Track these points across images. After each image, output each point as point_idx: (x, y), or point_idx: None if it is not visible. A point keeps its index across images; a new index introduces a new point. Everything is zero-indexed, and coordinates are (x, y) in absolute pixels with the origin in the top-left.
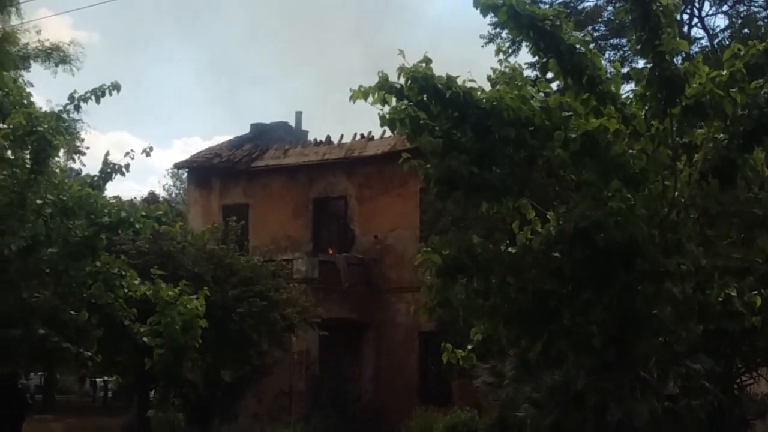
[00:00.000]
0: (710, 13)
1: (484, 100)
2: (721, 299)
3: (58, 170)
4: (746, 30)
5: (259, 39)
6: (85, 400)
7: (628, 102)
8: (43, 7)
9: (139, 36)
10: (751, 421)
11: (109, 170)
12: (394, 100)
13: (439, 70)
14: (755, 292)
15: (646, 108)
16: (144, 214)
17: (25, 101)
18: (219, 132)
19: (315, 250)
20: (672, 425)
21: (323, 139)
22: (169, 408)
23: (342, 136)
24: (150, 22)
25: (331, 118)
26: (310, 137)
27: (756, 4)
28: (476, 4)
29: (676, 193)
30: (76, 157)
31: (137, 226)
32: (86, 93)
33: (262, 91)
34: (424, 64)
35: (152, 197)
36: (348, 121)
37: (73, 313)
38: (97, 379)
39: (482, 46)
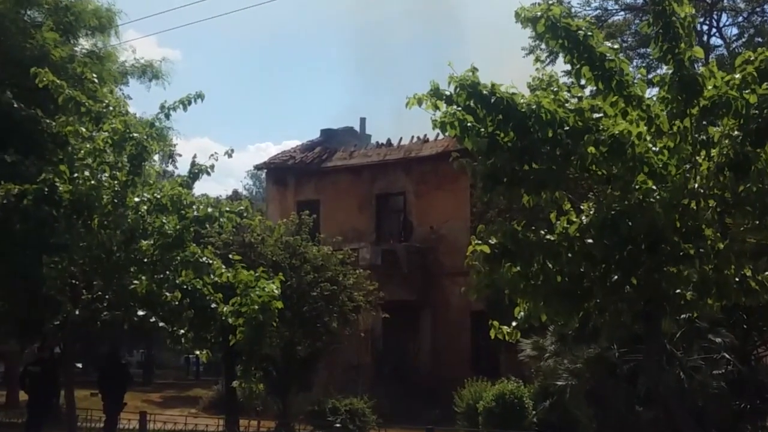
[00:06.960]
0: (727, 23)
1: (524, 104)
2: (737, 279)
3: (153, 172)
4: (758, 38)
5: (322, 47)
6: (180, 374)
7: (652, 104)
8: (131, 28)
9: (210, 52)
10: None
11: (196, 171)
12: (444, 105)
13: (484, 78)
14: None
15: (668, 109)
16: (228, 209)
17: (123, 110)
18: (287, 137)
19: (378, 240)
20: (696, 393)
21: (384, 142)
22: (251, 379)
23: (401, 138)
24: (219, 40)
25: (391, 122)
26: (373, 140)
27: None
28: (517, 18)
29: (696, 185)
30: (170, 161)
31: (222, 220)
32: (175, 102)
33: (330, 99)
34: (471, 73)
35: (235, 195)
36: (406, 124)
37: (167, 295)
38: (190, 355)
39: (523, 57)
